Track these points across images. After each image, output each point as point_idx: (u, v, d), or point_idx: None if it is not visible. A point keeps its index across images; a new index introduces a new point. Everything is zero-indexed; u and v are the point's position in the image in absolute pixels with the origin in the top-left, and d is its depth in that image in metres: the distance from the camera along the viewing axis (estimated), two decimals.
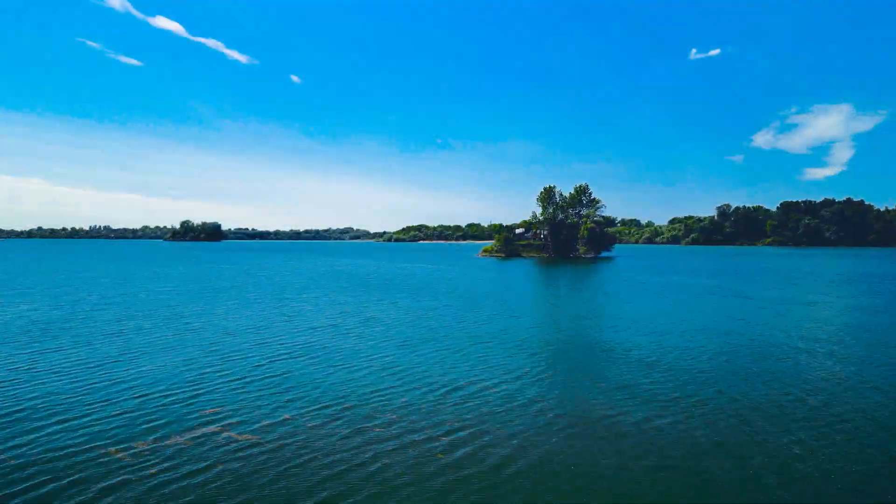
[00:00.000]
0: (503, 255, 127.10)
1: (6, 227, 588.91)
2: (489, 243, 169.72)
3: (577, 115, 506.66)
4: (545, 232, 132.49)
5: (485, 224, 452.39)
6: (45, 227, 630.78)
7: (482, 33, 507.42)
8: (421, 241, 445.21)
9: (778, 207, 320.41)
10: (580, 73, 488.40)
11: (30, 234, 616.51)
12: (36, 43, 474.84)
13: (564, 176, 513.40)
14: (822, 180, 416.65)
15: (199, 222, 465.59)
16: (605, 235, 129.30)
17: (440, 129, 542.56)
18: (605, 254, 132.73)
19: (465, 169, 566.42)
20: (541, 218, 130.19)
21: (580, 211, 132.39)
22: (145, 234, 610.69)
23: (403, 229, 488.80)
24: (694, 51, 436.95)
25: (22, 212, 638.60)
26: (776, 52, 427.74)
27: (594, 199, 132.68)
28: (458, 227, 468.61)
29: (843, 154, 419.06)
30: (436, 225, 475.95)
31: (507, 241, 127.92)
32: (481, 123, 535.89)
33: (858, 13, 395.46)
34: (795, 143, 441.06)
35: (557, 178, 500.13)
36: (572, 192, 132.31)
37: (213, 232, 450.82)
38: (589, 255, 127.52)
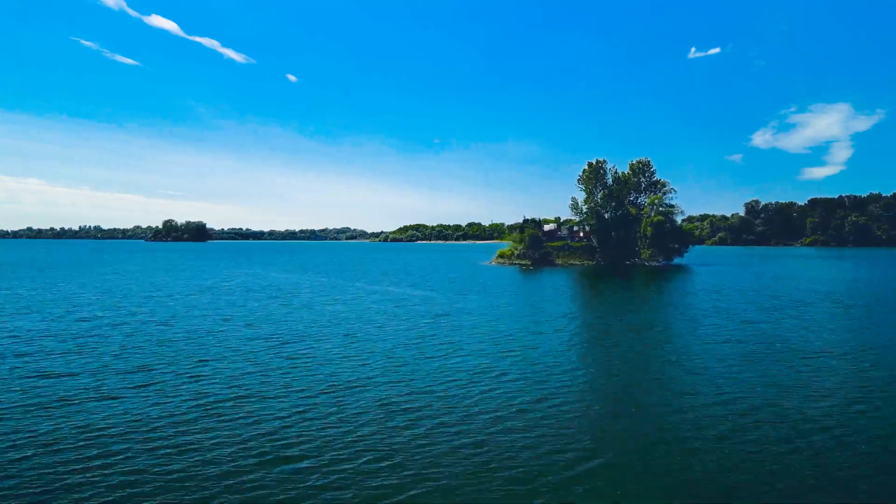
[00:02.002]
0: (529, 262, 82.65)
1: None
2: (498, 244, 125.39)
3: (575, 114, 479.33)
4: (587, 227, 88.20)
5: (486, 223, 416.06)
6: (34, 227, 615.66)
7: (481, 33, 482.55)
8: (419, 242, 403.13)
9: (806, 204, 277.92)
10: (579, 72, 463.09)
11: (15, 235, 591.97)
12: (30, 42, 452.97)
13: (563, 175, 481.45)
14: (821, 180, 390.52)
15: (184, 222, 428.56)
16: (679, 233, 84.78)
17: (438, 128, 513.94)
18: (676, 260, 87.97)
19: (464, 169, 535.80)
20: (584, 208, 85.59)
21: (637, 198, 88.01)
22: (135, 234, 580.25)
23: (400, 229, 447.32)
24: (693, 49, 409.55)
25: (21, 212, 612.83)
26: (774, 51, 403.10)
27: (658, 180, 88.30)
28: (457, 227, 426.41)
29: (841, 153, 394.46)
30: (434, 224, 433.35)
31: (534, 241, 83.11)
32: (480, 123, 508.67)
33: (857, 13, 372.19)
34: (794, 142, 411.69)
35: (556, 177, 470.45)
36: (627, 171, 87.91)
37: (196, 232, 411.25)
38: (655, 262, 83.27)
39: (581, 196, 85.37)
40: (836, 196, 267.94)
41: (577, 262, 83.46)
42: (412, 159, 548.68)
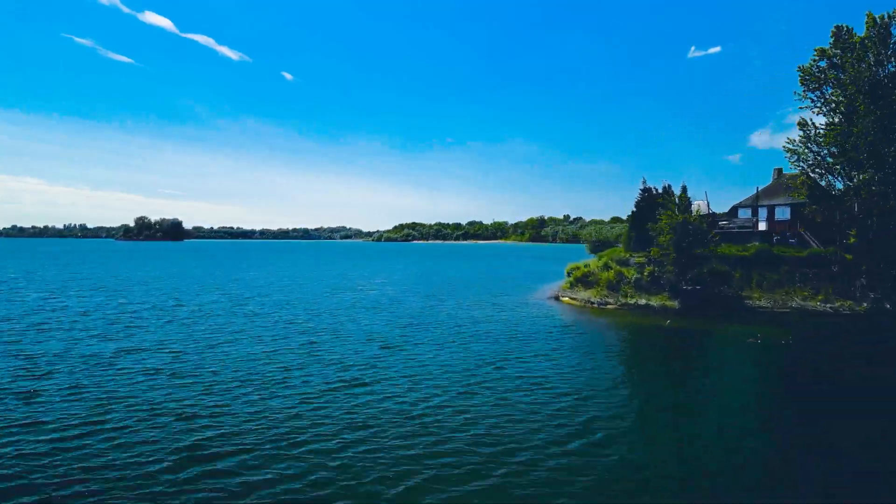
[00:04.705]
0: (670, 301, 27.41)
1: None
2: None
3: (575, 114, 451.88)
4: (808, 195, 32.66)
5: (487, 222, 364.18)
6: (18, 225, 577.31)
7: (481, 33, 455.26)
8: (416, 242, 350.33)
9: None
10: (579, 72, 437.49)
11: None
12: (26, 40, 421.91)
13: (563, 175, 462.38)
14: None
15: (158, 219, 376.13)
16: None
17: (438, 128, 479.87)
18: None
19: (464, 169, 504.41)
20: (831, 145, 29.97)
21: None
22: (119, 232, 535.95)
23: (395, 227, 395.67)
24: (693, 49, 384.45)
25: (21, 212, 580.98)
26: (774, 51, 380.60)
27: None
28: (457, 226, 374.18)
29: None
30: (433, 223, 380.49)
31: (683, 241, 27.46)
32: (479, 123, 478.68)
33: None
34: None
35: (556, 177, 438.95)
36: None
37: (171, 230, 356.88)
38: None
39: (812, 118, 29.74)
40: None
41: (810, 303, 28.04)
42: (412, 159, 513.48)
